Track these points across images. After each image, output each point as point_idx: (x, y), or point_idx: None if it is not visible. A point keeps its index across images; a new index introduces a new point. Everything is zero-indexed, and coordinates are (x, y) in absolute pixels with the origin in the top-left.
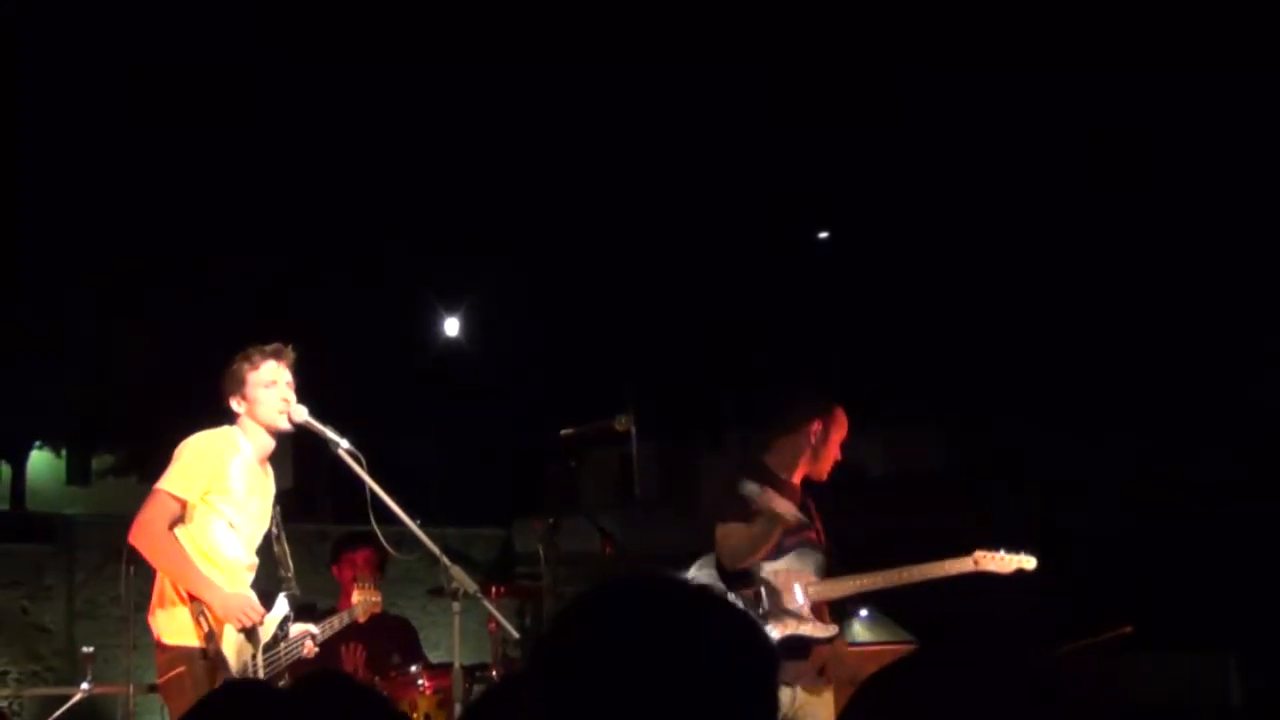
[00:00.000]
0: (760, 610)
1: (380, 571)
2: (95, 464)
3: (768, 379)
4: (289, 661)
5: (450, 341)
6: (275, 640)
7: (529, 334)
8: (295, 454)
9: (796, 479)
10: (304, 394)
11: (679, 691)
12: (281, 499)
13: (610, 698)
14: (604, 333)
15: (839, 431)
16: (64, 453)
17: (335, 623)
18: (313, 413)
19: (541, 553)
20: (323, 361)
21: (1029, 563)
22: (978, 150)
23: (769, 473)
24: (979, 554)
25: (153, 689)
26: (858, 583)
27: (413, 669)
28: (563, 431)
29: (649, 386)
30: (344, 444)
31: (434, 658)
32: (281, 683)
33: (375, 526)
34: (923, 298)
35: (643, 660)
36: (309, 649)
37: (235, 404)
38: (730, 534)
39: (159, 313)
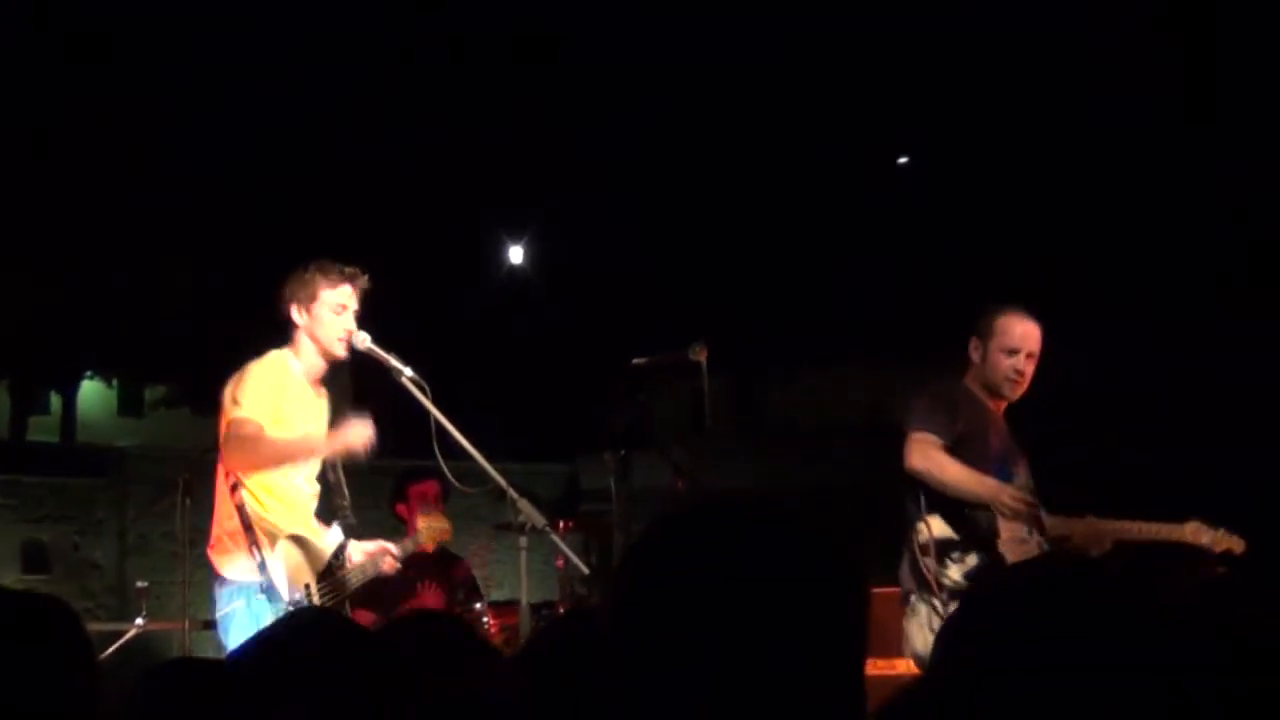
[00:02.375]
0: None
1: (443, 506)
2: (148, 395)
3: (845, 310)
4: (351, 590)
5: (514, 269)
6: (330, 569)
7: (597, 261)
8: (355, 383)
9: (987, 399)
10: (364, 321)
11: (761, 620)
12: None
13: (689, 628)
14: (676, 260)
15: (1008, 341)
16: (115, 383)
17: (409, 544)
18: (375, 340)
19: (613, 487)
20: (382, 288)
21: (1239, 545)
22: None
23: (970, 395)
24: (1194, 525)
25: (208, 625)
26: (1085, 525)
27: (477, 606)
28: (634, 360)
29: (722, 316)
30: (407, 372)
31: (499, 595)
32: (343, 610)
33: (440, 459)
34: (1014, 221)
35: (722, 589)
36: (389, 565)
37: (296, 314)
38: (945, 463)
39: (213, 239)
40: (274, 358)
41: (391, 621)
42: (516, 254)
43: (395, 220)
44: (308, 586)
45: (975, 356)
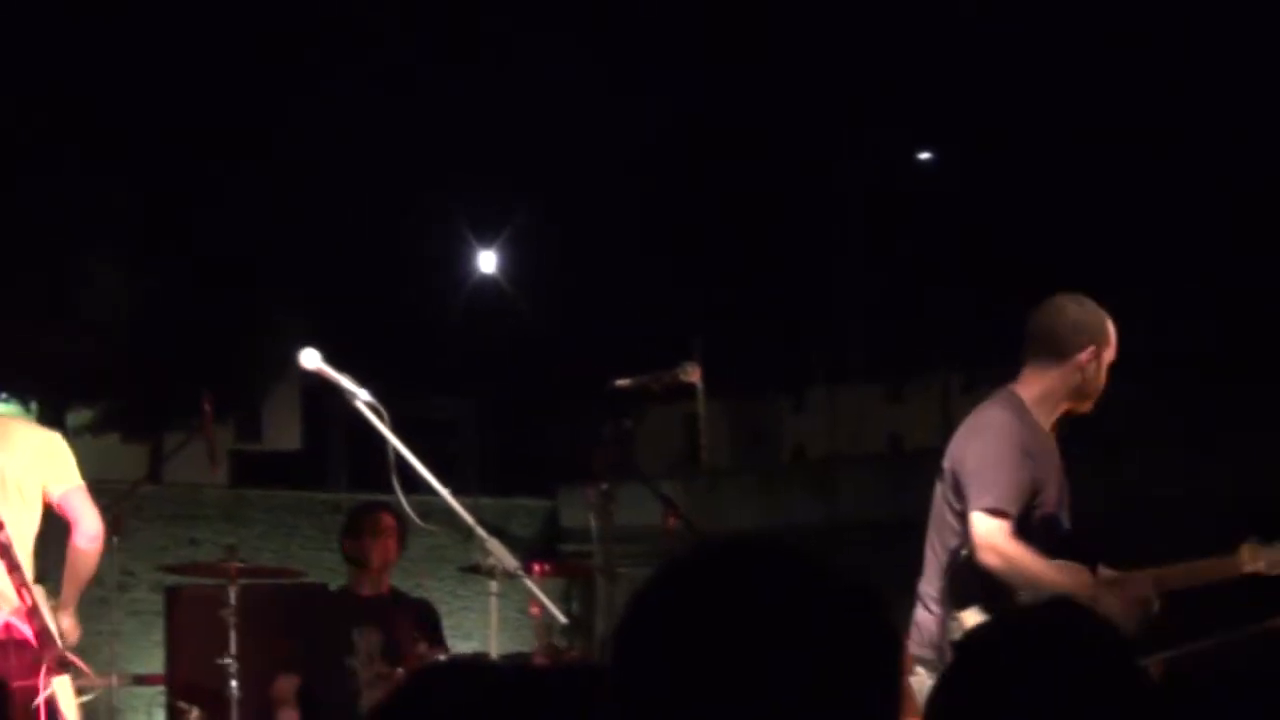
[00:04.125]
0: None
1: (400, 545)
2: (71, 419)
3: (863, 322)
4: None
5: (485, 279)
6: None
7: (578, 270)
8: (304, 409)
9: (1053, 417)
10: (315, 338)
11: (788, 680)
12: (289, 461)
13: (707, 689)
14: (666, 269)
15: (1112, 358)
16: (34, 406)
17: None
18: (326, 358)
19: (594, 526)
20: (336, 303)
21: None
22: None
23: (1022, 409)
24: (1249, 550)
25: (140, 680)
26: (1134, 582)
27: (440, 658)
28: (617, 383)
29: (719, 332)
30: (362, 395)
31: (467, 647)
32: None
33: (399, 492)
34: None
35: (744, 644)
36: None
37: None
38: (1028, 563)
39: (149, 247)
40: None
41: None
42: (488, 260)
43: (347, 223)
44: None
45: (1089, 366)
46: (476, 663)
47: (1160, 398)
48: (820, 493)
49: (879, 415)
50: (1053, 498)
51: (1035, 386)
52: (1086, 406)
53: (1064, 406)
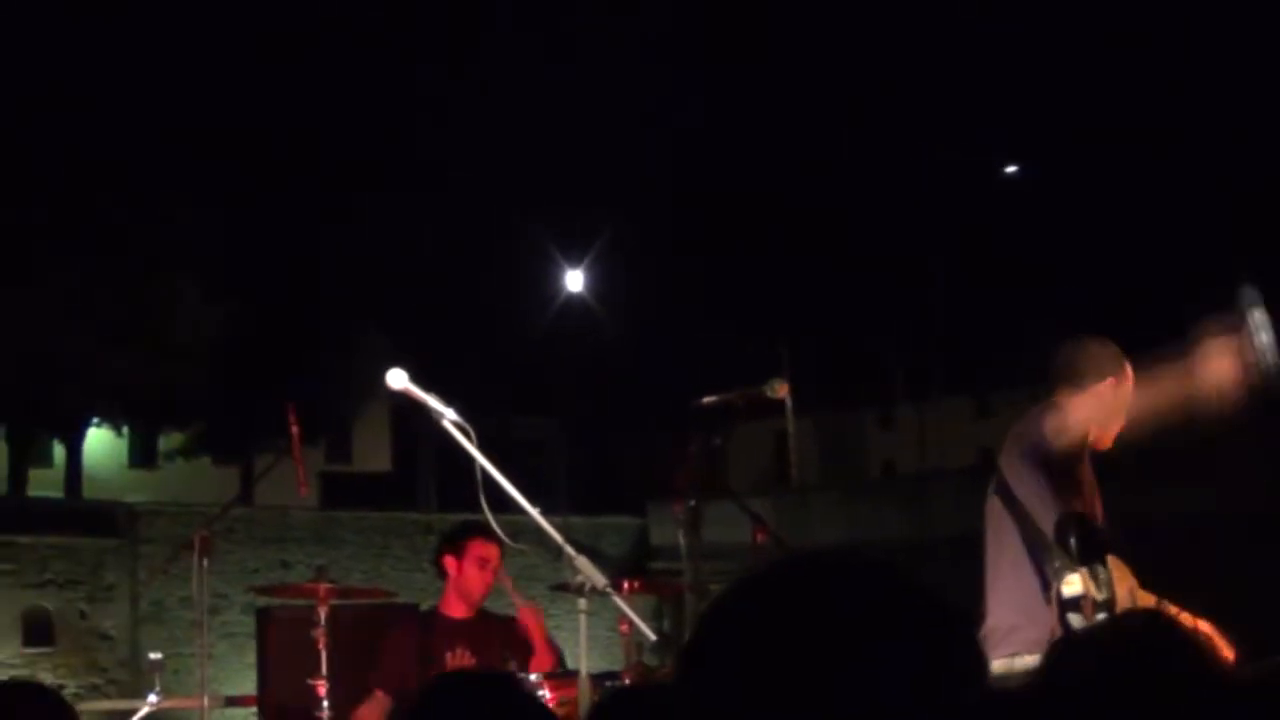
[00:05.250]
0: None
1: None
2: (162, 443)
3: (948, 337)
4: None
5: (573, 298)
6: None
7: (666, 288)
8: (394, 430)
9: (1077, 444)
10: (404, 359)
11: (862, 695)
12: (379, 482)
13: (780, 704)
14: (755, 286)
15: (1129, 391)
16: (126, 431)
17: None
18: (413, 379)
19: (682, 543)
20: (424, 324)
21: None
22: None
23: (1043, 441)
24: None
25: (231, 701)
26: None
27: (533, 677)
28: (704, 399)
29: (808, 350)
30: (449, 414)
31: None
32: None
33: (487, 512)
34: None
35: (818, 660)
36: None
37: None
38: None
39: (234, 270)
40: None
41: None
42: (575, 280)
43: (434, 242)
44: None
45: (1098, 402)
46: (491, 674)
47: None
48: (909, 508)
49: (968, 429)
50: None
51: (1072, 410)
52: (1106, 442)
53: (1089, 434)
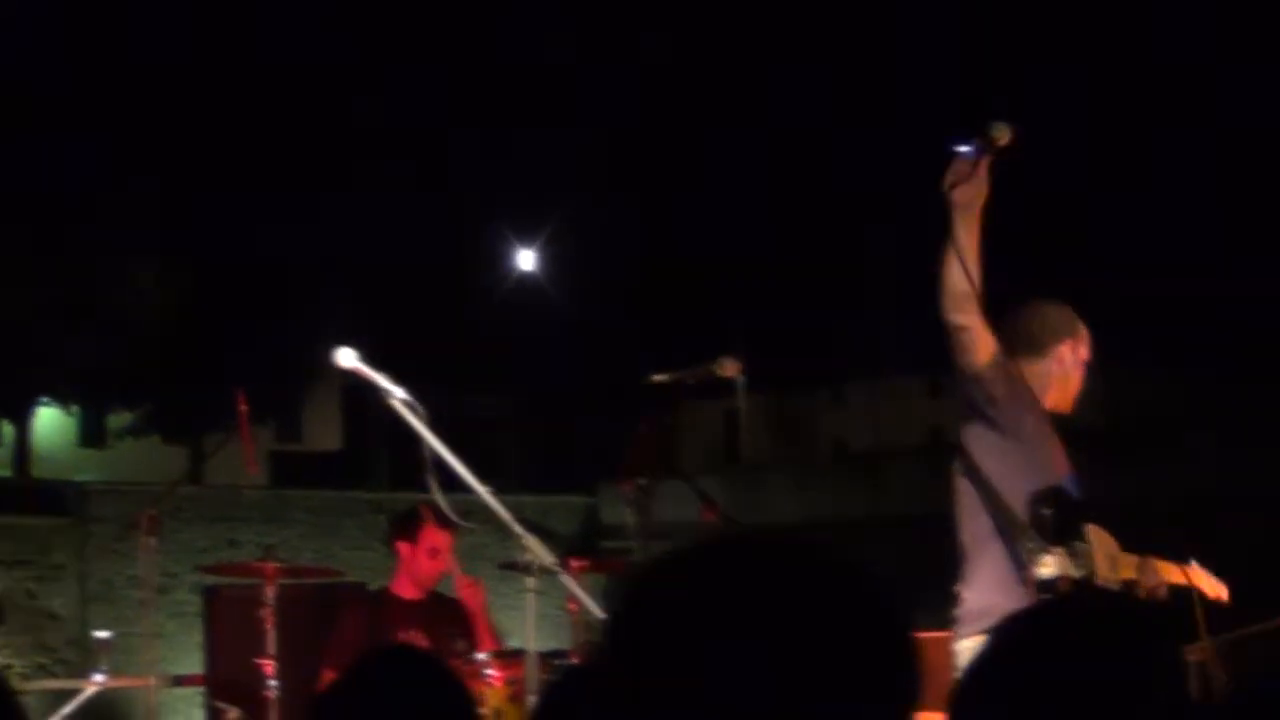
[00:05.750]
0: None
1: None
2: (111, 422)
3: (900, 316)
4: None
5: (525, 277)
6: None
7: (617, 267)
8: (345, 410)
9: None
10: (353, 337)
11: (791, 677)
12: (330, 462)
13: (705, 687)
14: (706, 265)
15: (1086, 355)
16: (75, 410)
17: None
18: (365, 358)
19: (631, 521)
20: (376, 303)
21: (1224, 593)
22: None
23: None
24: (1195, 568)
25: (179, 681)
26: (1149, 568)
27: (480, 656)
28: (655, 377)
29: (759, 328)
30: (399, 393)
31: (505, 643)
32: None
33: (437, 492)
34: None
35: (738, 640)
36: None
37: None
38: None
39: (183, 248)
40: None
41: (362, 658)
42: (527, 259)
43: (386, 221)
44: None
45: (1058, 367)
46: (416, 650)
47: None
48: (861, 486)
49: (920, 408)
50: (1060, 465)
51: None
52: (1066, 406)
53: (1050, 400)
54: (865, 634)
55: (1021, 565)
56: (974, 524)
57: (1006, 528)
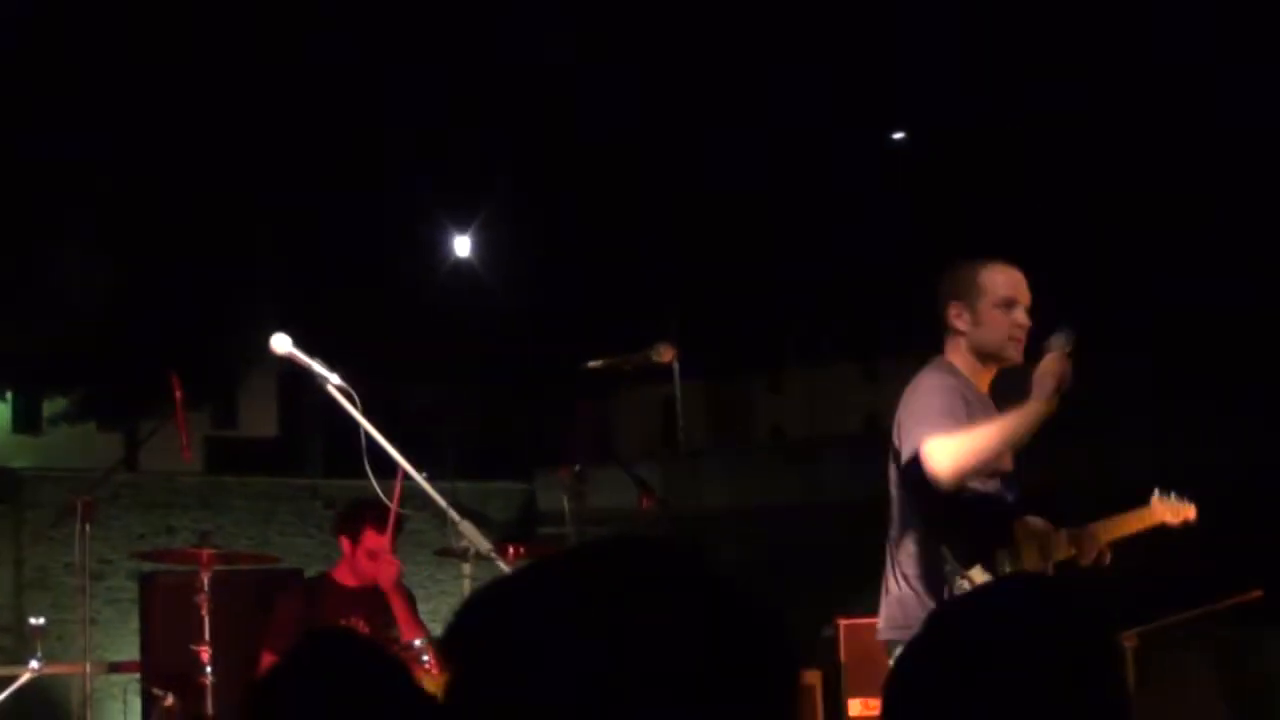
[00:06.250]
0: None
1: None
2: (46, 408)
3: (837, 301)
4: None
5: (460, 263)
6: None
7: (553, 253)
8: (281, 396)
9: (980, 378)
10: (287, 323)
11: (624, 678)
12: (266, 448)
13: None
14: (642, 252)
15: (996, 301)
16: (10, 396)
17: None
18: (298, 343)
19: (567, 508)
20: (312, 289)
21: (1192, 512)
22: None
23: (971, 387)
24: (1157, 501)
25: (114, 668)
26: (1087, 536)
27: (416, 643)
28: (590, 364)
29: (696, 314)
30: (333, 379)
31: (442, 630)
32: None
33: (372, 479)
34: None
35: (595, 655)
36: None
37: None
38: (976, 433)
39: (119, 229)
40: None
41: (300, 641)
42: (463, 245)
43: (322, 209)
44: None
45: (961, 324)
46: (355, 634)
47: None
48: (798, 472)
49: (856, 394)
50: (1007, 460)
51: (952, 355)
52: (1012, 356)
53: (987, 367)
54: (717, 638)
55: (945, 581)
56: (902, 514)
57: (932, 549)
